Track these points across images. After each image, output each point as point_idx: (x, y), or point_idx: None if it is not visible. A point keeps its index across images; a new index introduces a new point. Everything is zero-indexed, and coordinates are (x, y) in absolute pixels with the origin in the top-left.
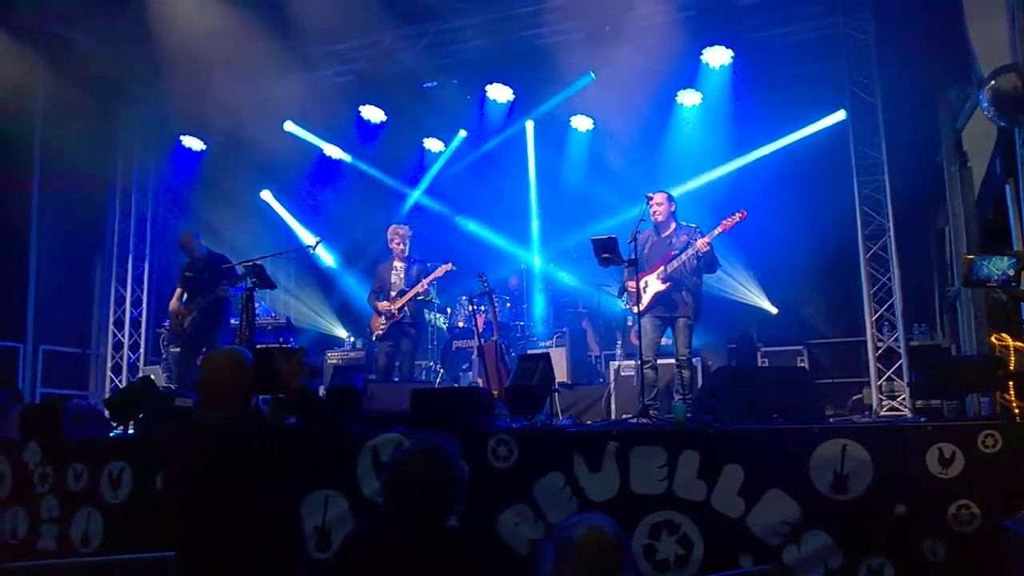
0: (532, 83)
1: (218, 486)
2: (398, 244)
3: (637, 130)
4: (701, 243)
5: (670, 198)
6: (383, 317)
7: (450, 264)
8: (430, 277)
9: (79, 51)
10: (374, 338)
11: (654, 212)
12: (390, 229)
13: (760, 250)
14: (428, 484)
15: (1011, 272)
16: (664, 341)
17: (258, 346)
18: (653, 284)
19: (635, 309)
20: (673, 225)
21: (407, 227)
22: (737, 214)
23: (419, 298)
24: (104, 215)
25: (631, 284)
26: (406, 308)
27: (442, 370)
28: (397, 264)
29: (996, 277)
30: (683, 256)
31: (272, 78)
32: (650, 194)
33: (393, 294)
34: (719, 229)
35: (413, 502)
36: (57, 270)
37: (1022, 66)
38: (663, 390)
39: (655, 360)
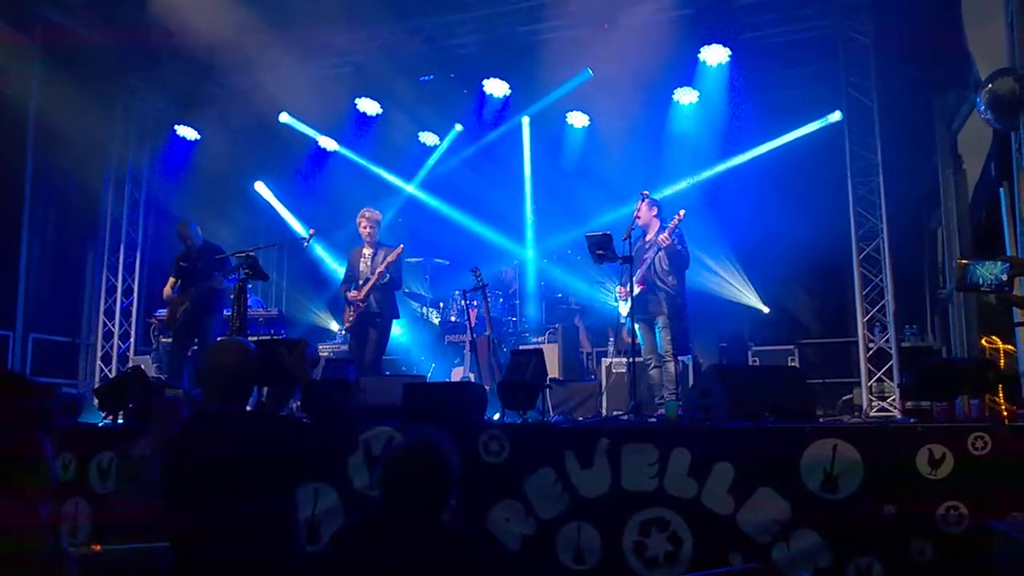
0: (529, 78)
1: (217, 476)
2: (365, 228)
3: (633, 127)
4: (662, 238)
5: (651, 203)
6: (351, 308)
7: (401, 246)
8: (385, 262)
9: (74, 39)
10: (344, 330)
11: (636, 219)
12: (359, 213)
13: (752, 249)
14: (423, 480)
15: (1003, 277)
16: None
17: (260, 338)
18: (635, 287)
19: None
20: (656, 228)
21: (377, 211)
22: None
23: (379, 283)
24: (97, 203)
25: (621, 290)
26: (371, 297)
27: (434, 364)
28: (366, 251)
29: (988, 282)
30: (645, 256)
31: (268, 68)
32: (645, 192)
33: (360, 283)
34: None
35: (408, 498)
36: (48, 258)
37: (1020, 70)
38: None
39: (656, 360)
